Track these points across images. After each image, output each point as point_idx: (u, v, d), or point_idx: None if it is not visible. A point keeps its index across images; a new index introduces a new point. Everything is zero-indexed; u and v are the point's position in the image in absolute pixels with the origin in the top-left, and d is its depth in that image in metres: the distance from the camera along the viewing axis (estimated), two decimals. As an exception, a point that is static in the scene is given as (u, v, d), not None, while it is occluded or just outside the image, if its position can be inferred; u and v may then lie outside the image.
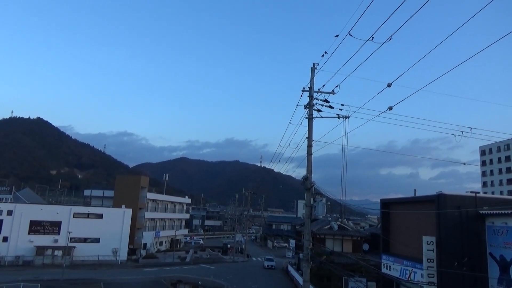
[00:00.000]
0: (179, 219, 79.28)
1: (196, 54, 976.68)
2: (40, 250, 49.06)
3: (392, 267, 24.94)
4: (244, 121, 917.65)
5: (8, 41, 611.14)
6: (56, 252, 49.51)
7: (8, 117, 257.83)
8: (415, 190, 26.37)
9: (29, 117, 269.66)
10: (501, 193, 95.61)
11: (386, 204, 28.02)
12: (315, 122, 17.71)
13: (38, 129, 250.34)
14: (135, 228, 58.38)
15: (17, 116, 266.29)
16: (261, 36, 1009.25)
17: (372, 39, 10.15)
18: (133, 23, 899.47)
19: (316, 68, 17.67)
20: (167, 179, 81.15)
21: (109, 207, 58.84)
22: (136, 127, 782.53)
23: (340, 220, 47.00)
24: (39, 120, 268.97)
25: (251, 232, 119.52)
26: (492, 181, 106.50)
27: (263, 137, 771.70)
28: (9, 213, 48.86)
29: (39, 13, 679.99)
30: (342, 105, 16.96)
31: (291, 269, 48.00)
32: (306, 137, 17.70)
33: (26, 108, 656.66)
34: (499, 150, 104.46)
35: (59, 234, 50.53)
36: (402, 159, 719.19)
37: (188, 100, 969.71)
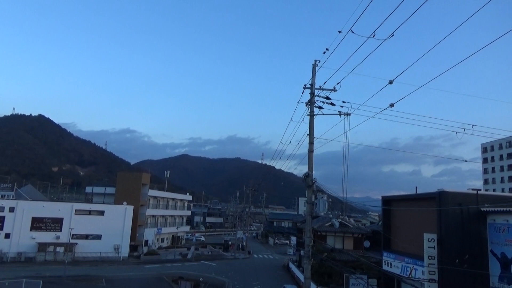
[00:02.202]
0: (180, 216, 79.51)
1: (199, 52, 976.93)
2: (42, 246, 49.33)
3: (393, 264, 24.97)
4: (246, 118, 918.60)
5: (10, 38, 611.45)
6: (58, 249, 49.80)
7: (9, 114, 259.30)
8: (416, 187, 26.39)
9: (31, 114, 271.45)
10: (503, 190, 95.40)
11: (388, 201, 27.98)
12: (316, 119, 17.64)
13: (40, 126, 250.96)
14: (137, 225, 58.65)
15: (19, 113, 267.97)
16: (263, 33, 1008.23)
17: (373, 36, 10.13)
18: (136, 20, 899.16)
19: (317, 65, 17.56)
20: (168, 176, 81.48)
21: (110, 204, 59.02)
22: (139, 124, 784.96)
23: (341, 217, 46.95)
24: (40, 117, 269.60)
25: (252, 229, 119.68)
26: (493, 179, 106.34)
27: (266, 134, 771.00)
28: (11, 209, 49.14)
29: (41, 10, 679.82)
30: (344, 102, 16.90)
31: (292, 266, 48.10)
32: (308, 134, 17.66)
33: (28, 105, 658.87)
34: (500, 147, 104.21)
35: (61, 230, 50.79)
36: (404, 156, 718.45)
37: (191, 97, 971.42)
